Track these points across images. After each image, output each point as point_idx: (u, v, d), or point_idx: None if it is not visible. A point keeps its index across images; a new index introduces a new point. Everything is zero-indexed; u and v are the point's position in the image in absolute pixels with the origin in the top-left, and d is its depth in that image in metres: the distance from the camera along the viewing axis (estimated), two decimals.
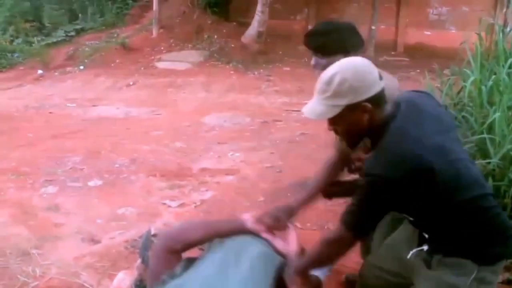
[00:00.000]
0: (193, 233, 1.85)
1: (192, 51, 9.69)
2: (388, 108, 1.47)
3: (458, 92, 3.23)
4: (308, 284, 1.71)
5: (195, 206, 3.37)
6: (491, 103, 2.72)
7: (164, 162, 4.26)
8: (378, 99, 1.43)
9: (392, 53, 10.01)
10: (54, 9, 11.20)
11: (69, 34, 10.76)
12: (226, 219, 2.54)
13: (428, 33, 10.26)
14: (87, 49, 9.86)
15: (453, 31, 9.97)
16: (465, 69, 3.19)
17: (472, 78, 2.95)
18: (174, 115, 6.10)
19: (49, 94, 7.41)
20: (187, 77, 8.35)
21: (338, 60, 1.51)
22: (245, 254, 1.65)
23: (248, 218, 1.87)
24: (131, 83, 8.12)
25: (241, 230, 1.83)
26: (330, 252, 1.60)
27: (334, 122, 1.48)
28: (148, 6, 11.08)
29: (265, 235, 1.82)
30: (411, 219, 1.57)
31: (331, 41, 1.87)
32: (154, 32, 10.16)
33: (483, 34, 3.44)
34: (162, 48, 9.78)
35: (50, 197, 3.52)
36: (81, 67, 9.10)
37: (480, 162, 2.41)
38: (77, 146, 4.71)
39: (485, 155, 2.47)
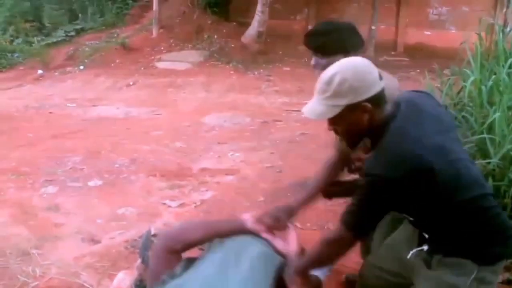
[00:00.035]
0: (193, 233, 1.85)
1: (192, 51, 9.69)
2: (388, 108, 1.46)
3: (458, 92, 3.23)
4: (308, 284, 1.71)
5: (195, 206, 3.37)
6: (491, 103, 2.72)
7: (164, 162, 4.26)
8: (378, 99, 1.43)
9: (392, 53, 10.01)
10: (54, 9, 11.20)
11: (69, 34, 10.76)
12: (226, 219, 2.54)
13: (428, 33, 10.26)
14: (87, 49, 9.87)
15: (453, 31, 9.97)
16: (465, 69, 3.19)
17: (472, 78, 2.95)
18: (174, 115, 6.10)
19: (49, 94, 7.41)
20: (187, 77, 8.35)
21: (338, 60, 1.51)
22: (245, 254, 1.65)
23: (248, 218, 1.87)
24: (131, 83, 8.12)
25: (241, 230, 1.83)
26: (330, 252, 1.60)
27: (334, 122, 1.48)
28: (148, 6, 11.08)
29: (265, 235, 1.82)
30: (411, 219, 1.57)
31: (331, 41, 1.87)
32: (154, 32, 10.16)
33: (483, 34, 3.44)
34: (162, 48, 9.78)
35: (50, 197, 3.52)
36: (81, 67, 9.10)
37: (480, 162, 2.41)
38: (77, 146, 4.71)
39: (485, 155, 2.47)
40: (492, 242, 1.47)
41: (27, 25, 10.84)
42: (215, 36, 10.03)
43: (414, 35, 10.23)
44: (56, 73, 8.92)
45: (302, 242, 1.91)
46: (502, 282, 2.17)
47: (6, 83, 8.29)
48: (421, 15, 10.38)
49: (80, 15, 11.40)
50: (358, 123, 1.45)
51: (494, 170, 2.40)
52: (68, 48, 10.04)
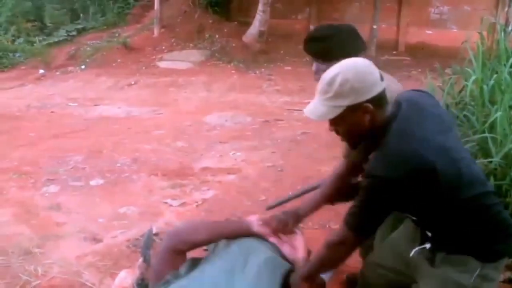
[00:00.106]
0: (198, 234, 1.84)
1: (194, 50, 9.70)
2: (389, 108, 1.47)
3: (460, 91, 3.23)
4: None
5: (197, 205, 3.37)
6: (492, 102, 2.72)
7: (166, 161, 4.26)
8: (379, 100, 1.43)
9: (394, 52, 10.00)
10: (56, 8, 11.22)
11: (70, 34, 10.77)
12: (232, 220, 2.53)
13: (430, 32, 10.25)
14: (88, 48, 9.88)
15: (455, 30, 9.95)
16: (466, 68, 3.19)
17: (473, 77, 2.94)
18: (176, 114, 6.11)
19: (51, 94, 7.42)
20: (188, 77, 8.35)
21: None
22: (252, 259, 1.64)
23: (254, 221, 1.85)
24: (132, 83, 8.12)
25: (247, 233, 1.81)
26: (334, 255, 1.60)
27: (336, 123, 1.48)
28: (149, 6, 11.09)
29: (273, 239, 1.80)
30: (414, 218, 1.57)
31: (331, 46, 1.84)
32: (156, 32, 10.16)
33: (484, 33, 3.43)
34: (163, 47, 9.78)
35: (52, 196, 3.53)
36: (83, 67, 9.11)
37: (481, 161, 2.40)
38: (78, 145, 4.71)
39: (487, 154, 2.47)
40: (494, 239, 1.47)
41: (29, 24, 10.85)
42: (217, 36, 10.03)
43: (415, 34, 10.22)
44: (58, 73, 8.93)
45: (306, 242, 1.91)
46: (504, 281, 2.17)
47: (7, 82, 8.31)
48: (423, 14, 10.36)
49: (81, 14, 11.41)
50: (359, 124, 1.45)
51: (495, 169, 2.40)
52: (69, 47, 10.05)
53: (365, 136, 1.50)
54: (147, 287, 2.27)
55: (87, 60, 9.36)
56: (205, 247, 1.96)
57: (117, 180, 3.84)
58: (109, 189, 3.66)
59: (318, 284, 1.77)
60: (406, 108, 1.45)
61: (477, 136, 2.56)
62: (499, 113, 2.48)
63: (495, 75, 2.88)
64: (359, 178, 2.02)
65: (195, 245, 1.84)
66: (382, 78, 1.44)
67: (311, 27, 10.05)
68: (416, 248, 1.57)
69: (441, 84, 3.40)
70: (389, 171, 1.36)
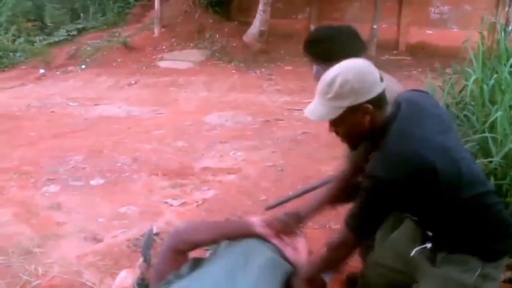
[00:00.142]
0: (200, 234, 1.83)
1: (194, 50, 9.70)
2: (389, 109, 1.47)
3: (460, 91, 3.23)
4: None
5: (197, 205, 3.37)
6: (493, 102, 2.72)
7: (166, 161, 4.26)
8: (379, 100, 1.43)
9: (394, 52, 10.00)
10: (56, 8, 11.23)
11: (71, 34, 10.78)
12: (234, 221, 2.53)
13: (430, 32, 10.24)
14: (88, 48, 9.88)
15: (455, 30, 9.95)
16: (467, 68, 3.19)
17: (474, 77, 2.94)
18: (176, 114, 6.11)
19: (51, 93, 7.43)
20: (188, 76, 8.36)
21: None
22: (254, 260, 1.63)
23: (256, 222, 1.85)
24: (132, 82, 8.13)
25: (249, 233, 1.80)
26: (336, 256, 1.60)
27: (336, 124, 1.48)
28: (149, 6, 11.09)
29: (275, 241, 1.80)
30: (414, 218, 1.57)
31: (332, 48, 1.82)
32: (156, 31, 10.17)
33: (485, 33, 3.43)
34: (163, 47, 9.79)
35: (52, 196, 3.53)
36: (83, 66, 9.12)
37: (482, 161, 2.40)
38: (79, 145, 4.72)
39: (487, 154, 2.47)
40: (495, 238, 1.48)
41: (29, 24, 10.87)
42: (217, 35, 10.04)
43: (416, 34, 10.22)
44: (58, 73, 8.93)
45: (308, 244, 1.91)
46: (504, 281, 2.17)
47: (8, 82, 8.32)
48: (423, 14, 10.36)
49: (82, 14, 11.42)
50: (359, 125, 1.45)
51: (496, 169, 2.40)
52: (70, 47, 10.06)
53: (365, 137, 1.50)
54: (147, 287, 2.28)
55: (88, 59, 9.37)
56: (206, 247, 1.96)
57: (117, 180, 3.84)
58: (109, 189, 3.66)
59: (319, 285, 1.77)
60: (406, 109, 1.45)
61: (477, 136, 2.56)
62: (499, 113, 2.48)
63: (495, 75, 2.87)
64: (359, 178, 2.01)
65: (196, 245, 1.84)
66: (382, 79, 1.44)
67: (312, 27, 10.05)
68: (417, 248, 1.57)
69: (441, 84, 3.40)
70: (389, 171, 1.36)
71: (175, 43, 9.92)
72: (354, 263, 2.09)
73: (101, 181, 3.81)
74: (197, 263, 1.73)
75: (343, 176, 1.97)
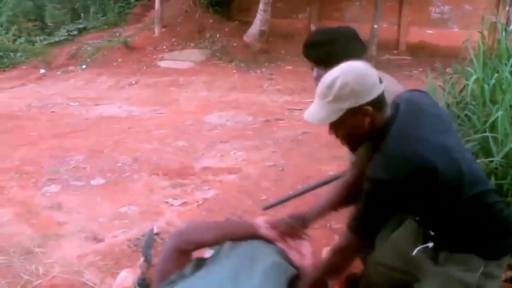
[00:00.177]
0: (204, 234, 1.82)
1: (194, 50, 9.71)
2: (388, 110, 1.47)
3: (461, 91, 3.22)
4: None
5: (198, 205, 3.37)
6: (493, 102, 2.71)
7: (167, 161, 4.26)
8: (379, 102, 1.43)
9: (394, 51, 10.00)
10: (57, 8, 11.24)
11: (71, 34, 10.80)
12: (239, 222, 2.51)
13: (431, 31, 10.25)
14: (89, 48, 9.89)
15: (456, 29, 9.95)
16: (467, 68, 3.18)
17: (474, 77, 2.94)
18: (176, 114, 6.11)
19: (52, 93, 7.43)
20: (189, 76, 8.36)
21: None
22: (258, 262, 1.62)
23: (261, 224, 1.83)
24: (133, 82, 8.13)
25: (253, 235, 1.79)
26: (340, 260, 1.60)
27: (336, 126, 1.48)
28: (150, 5, 11.10)
29: (281, 244, 1.78)
30: (416, 218, 1.57)
31: (333, 52, 1.80)
32: (156, 31, 10.17)
33: (485, 32, 3.43)
34: (164, 47, 9.79)
35: (53, 195, 3.53)
36: (84, 66, 9.13)
37: (482, 160, 2.40)
38: (79, 145, 4.72)
39: (488, 153, 2.47)
40: (497, 237, 1.48)
41: (30, 24, 10.88)
42: (217, 35, 10.04)
43: (416, 34, 10.22)
44: (59, 72, 8.94)
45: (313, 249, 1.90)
46: (505, 280, 2.17)
47: (9, 82, 8.33)
48: (424, 14, 10.36)
49: (82, 14, 11.43)
50: (359, 127, 1.45)
51: (496, 168, 2.39)
52: (70, 47, 10.07)
53: (365, 139, 1.50)
54: (148, 287, 2.28)
55: (88, 59, 9.37)
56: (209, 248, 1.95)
57: (118, 180, 3.84)
58: (110, 189, 3.67)
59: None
60: (405, 109, 1.45)
61: (478, 135, 2.56)
62: (500, 113, 2.47)
63: (496, 75, 2.87)
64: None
65: (201, 246, 1.83)
66: (381, 81, 1.44)
67: (312, 27, 10.06)
68: (419, 247, 1.57)
69: (442, 84, 3.40)
70: (390, 173, 1.36)
71: (175, 43, 9.92)
72: (354, 263, 2.09)
73: (102, 181, 3.81)
74: (201, 263, 1.72)
75: (349, 182, 1.94)
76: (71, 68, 9.11)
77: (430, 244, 1.54)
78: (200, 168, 4.11)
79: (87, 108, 6.50)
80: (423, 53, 9.65)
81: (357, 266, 2.04)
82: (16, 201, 3.41)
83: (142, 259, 2.48)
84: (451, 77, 3.36)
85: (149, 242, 2.65)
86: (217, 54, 9.52)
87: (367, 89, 1.40)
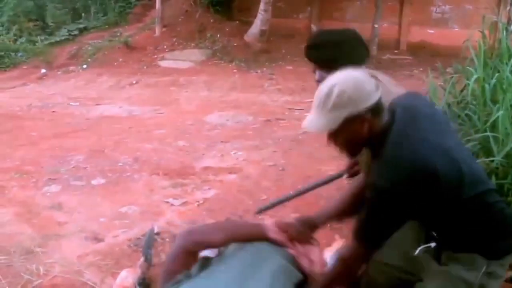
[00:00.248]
0: (213, 236, 1.79)
1: (195, 50, 9.71)
2: (386, 115, 1.47)
3: (461, 90, 3.22)
4: None
5: (198, 205, 3.37)
6: (494, 101, 2.71)
7: (167, 161, 4.26)
8: (376, 109, 1.44)
9: (395, 51, 9.99)
10: (58, 8, 11.24)
11: (72, 33, 10.81)
12: (248, 223, 2.48)
13: (431, 31, 10.24)
14: (90, 48, 9.90)
15: (456, 29, 9.94)
16: (468, 67, 3.18)
17: (475, 76, 2.93)
18: (177, 113, 6.11)
19: (52, 93, 7.44)
20: (189, 76, 8.36)
21: None
22: (265, 265, 1.61)
23: (270, 226, 1.82)
24: (134, 82, 8.14)
25: (262, 237, 1.78)
26: (347, 268, 1.61)
27: (335, 134, 1.48)
28: (150, 5, 11.11)
29: (291, 250, 1.77)
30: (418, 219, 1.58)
31: (336, 55, 1.80)
32: (157, 31, 10.18)
33: (486, 32, 3.43)
34: (165, 47, 9.79)
35: (53, 195, 3.53)
36: (84, 66, 9.13)
37: (483, 160, 2.40)
38: (80, 145, 4.72)
39: (489, 153, 2.46)
40: (499, 236, 1.48)
41: (31, 24, 10.89)
42: (218, 35, 10.04)
43: (417, 34, 10.21)
44: (59, 72, 8.95)
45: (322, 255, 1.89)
46: (506, 280, 2.17)
47: (9, 82, 8.34)
48: (424, 13, 10.35)
49: (83, 14, 11.44)
50: (358, 134, 1.45)
51: (497, 168, 2.39)
52: (71, 47, 10.07)
53: (364, 145, 1.51)
54: (148, 287, 2.28)
55: (89, 59, 9.38)
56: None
57: (118, 180, 3.84)
58: (110, 189, 3.67)
59: None
60: (402, 114, 1.46)
61: (479, 135, 2.56)
62: (500, 112, 2.47)
63: (497, 74, 2.87)
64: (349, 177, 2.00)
65: (208, 247, 1.81)
66: (378, 87, 1.44)
67: (313, 26, 10.06)
68: (421, 247, 1.57)
69: (442, 83, 3.40)
70: (392, 179, 1.37)
71: (176, 43, 9.92)
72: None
73: (102, 181, 3.81)
74: (207, 263, 1.71)
75: (358, 187, 1.92)
76: (71, 68, 9.12)
77: (432, 244, 1.54)
78: (200, 168, 4.11)
79: (87, 108, 6.50)
80: (424, 53, 9.64)
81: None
82: (16, 201, 3.41)
83: (142, 258, 2.48)
84: (452, 77, 3.36)
85: (149, 242, 2.65)
86: (217, 54, 9.52)
87: (365, 96, 1.41)
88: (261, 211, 2.63)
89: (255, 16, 9.71)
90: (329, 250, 2.26)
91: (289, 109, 6.22)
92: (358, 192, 1.89)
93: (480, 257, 1.47)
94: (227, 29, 10.21)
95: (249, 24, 9.96)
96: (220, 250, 1.81)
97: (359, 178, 1.96)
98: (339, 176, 2.36)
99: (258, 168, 4.09)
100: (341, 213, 1.96)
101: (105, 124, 5.62)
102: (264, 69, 8.83)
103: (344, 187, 2.94)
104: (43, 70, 8.98)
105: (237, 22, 10.49)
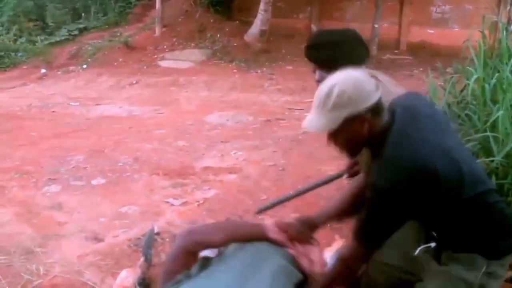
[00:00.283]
0: (213, 236, 1.79)
1: (195, 50, 9.70)
2: (386, 115, 1.47)
3: (461, 90, 3.22)
4: None
5: (198, 205, 3.37)
6: (494, 101, 2.71)
7: (167, 161, 4.26)
8: (376, 109, 1.44)
9: (395, 51, 9.99)
10: (58, 8, 11.24)
11: (72, 33, 10.80)
12: (248, 223, 2.49)
13: (431, 31, 10.23)
14: (90, 48, 9.89)
15: (456, 29, 9.94)
16: (468, 67, 3.18)
17: (475, 76, 2.94)
18: (177, 113, 6.11)
19: (52, 93, 7.44)
20: (189, 76, 8.36)
21: None
22: (265, 265, 1.61)
23: (270, 227, 1.82)
24: (134, 82, 8.14)
25: (262, 238, 1.77)
26: (347, 269, 1.61)
27: (335, 134, 1.48)
28: (150, 5, 11.10)
29: (292, 250, 1.77)
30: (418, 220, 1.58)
31: (337, 55, 1.79)
32: (157, 31, 10.17)
33: (486, 32, 3.43)
34: (165, 47, 9.79)
35: (53, 195, 3.53)
36: (84, 66, 9.13)
37: (483, 160, 2.40)
38: (80, 145, 4.72)
39: (489, 153, 2.46)
40: (499, 236, 1.48)
41: (31, 24, 10.88)
42: (218, 35, 10.04)
43: (417, 34, 10.21)
44: (59, 72, 8.95)
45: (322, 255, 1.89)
46: (506, 280, 2.17)
47: (9, 82, 8.34)
48: (424, 13, 10.35)
49: (83, 14, 11.44)
50: (358, 134, 1.45)
51: (497, 168, 2.39)
52: (71, 47, 10.07)
53: (364, 145, 1.51)
54: (148, 287, 2.28)
55: (89, 59, 9.38)
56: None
57: (118, 180, 3.84)
58: (110, 189, 3.67)
59: None
60: (402, 114, 1.46)
61: (479, 135, 2.56)
62: (500, 112, 2.47)
63: (497, 74, 2.87)
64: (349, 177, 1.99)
65: (208, 247, 1.81)
66: (378, 87, 1.45)
67: (313, 26, 10.06)
68: (421, 247, 1.57)
69: (442, 83, 3.40)
70: (392, 179, 1.37)
71: (176, 43, 9.92)
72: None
73: (102, 181, 3.81)
74: (207, 263, 1.71)
75: (358, 187, 1.92)
76: (71, 68, 9.12)
77: (432, 244, 1.54)
78: (200, 168, 4.11)
79: (87, 108, 6.50)
80: (424, 53, 9.64)
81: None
82: (16, 201, 3.41)
83: (142, 258, 2.49)
84: (452, 77, 3.36)
85: (149, 242, 2.65)
86: (217, 54, 9.52)
87: (365, 96, 1.41)
88: (261, 211, 2.63)
89: (255, 16, 9.71)
90: (329, 250, 2.26)
91: (289, 109, 6.22)
92: (358, 192, 1.89)
93: (480, 257, 1.47)
94: (227, 29, 10.21)
95: (249, 24, 9.95)
96: (220, 250, 1.81)
97: (359, 178, 1.95)
98: (339, 176, 2.36)
99: (258, 168, 4.09)
100: (341, 213, 1.96)
101: (105, 124, 5.62)
102: (264, 69, 8.83)
103: (344, 187, 2.95)
104: (43, 70, 8.98)
105: (237, 22, 10.48)
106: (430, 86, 3.15)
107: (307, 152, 4.45)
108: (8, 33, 10.36)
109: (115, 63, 9.19)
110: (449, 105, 3.01)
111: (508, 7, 7.98)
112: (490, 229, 1.48)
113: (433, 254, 1.55)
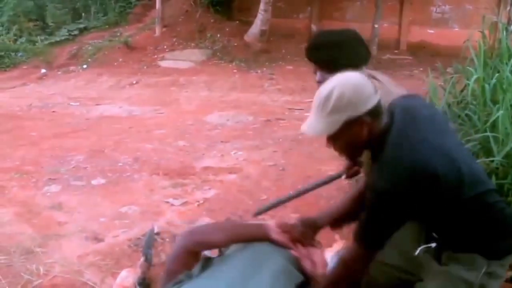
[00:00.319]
0: (215, 236, 1.78)
1: (195, 50, 9.70)
2: (385, 118, 1.47)
3: (461, 90, 3.22)
4: None
5: (198, 205, 3.37)
6: (494, 101, 2.71)
7: (167, 161, 4.26)
8: (375, 111, 1.44)
9: (395, 51, 9.99)
10: (58, 8, 11.24)
11: (72, 33, 10.80)
12: (250, 224, 2.49)
13: (431, 31, 10.23)
14: (90, 48, 9.89)
15: (456, 29, 9.94)
16: (468, 67, 3.18)
17: (475, 76, 2.94)
18: (177, 113, 6.11)
19: (52, 93, 7.44)
20: (190, 76, 8.36)
21: None
22: (267, 266, 1.60)
23: (272, 227, 1.80)
24: (134, 82, 8.14)
25: (264, 239, 1.76)
26: (348, 271, 1.60)
27: (334, 138, 1.48)
28: (151, 5, 11.10)
29: (294, 252, 1.75)
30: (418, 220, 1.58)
31: (338, 56, 1.79)
32: (157, 31, 10.17)
33: (486, 32, 3.43)
34: (165, 47, 9.79)
35: (53, 195, 3.53)
36: (84, 66, 9.13)
37: (483, 160, 2.40)
38: (80, 145, 4.72)
39: (489, 153, 2.47)
40: (499, 236, 1.48)
41: (31, 24, 10.88)
42: (218, 35, 10.04)
43: (417, 34, 10.21)
44: (59, 72, 8.95)
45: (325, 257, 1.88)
46: (506, 280, 2.17)
47: (9, 82, 8.34)
48: (424, 13, 10.35)
49: (83, 14, 11.44)
50: (358, 137, 1.45)
51: (497, 168, 2.39)
52: (71, 47, 10.07)
53: (363, 148, 1.51)
54: (148, 287, 2.28)
55: (89, 59, 9.38)
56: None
57: (118, 180, 3.84)
58: (110, 189, 3.67)
59: None
60: (401, 116, 1.46)
61: (479, 135, 2.56)
62: (500, 112, 2.47)
63: (497, 74, 2.87)
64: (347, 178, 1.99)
65: (210, 247, 1.81)
66: (376, 90, 1.44)
67: (313, 26, 10.05)
68: (422, 247, 1.57)
69: (442, 83, 3.40)
70: (391, 181, 1.37)
71: (176, 43, 9.92)
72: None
73: (102, 181, 3.82)
74: (208, 263, 1.71)
75: (360, 190, 1.90)
76: (72, 68, 9.12)
77: (433, 244, 1.54)
78: (200, 168, 4.11)
79: (87, 108, 6.50)
80: (424, 53, 9.64)
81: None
82: (16, 201, 3.42)
83: (142, 258, 2.49)
84: (452, 77, 3.36)
85: (149, 242, 2.65)
86: (217, 54, 9.52)
87: (364, 99, 1.41)
88: (260, 212, 2.62)
89: (255, 16, 9.71)
90: (330, 251, 2.26)
91: (289, 109, 6.22)
92: (359, 195, 1.87)
93: (480, 257, 1.46)
94: (227, 29, 10.21)
95: (249, 24, 9.95)
96: (222, 250, 1.81)
97: (359, 180, 1.95)
98: (338, 176, 2.36)
99: (258, 168, 4.09)
100: (342, 216, 1.95)
101: (105, 124, 5.62)
102: (264, 69, 8.83)
103: (344, 187, 2.96)
104: (43, 70, 8.98)
105: (237, 22, 10.48)
106: (430, 86, 3.15)
107: (307, 152, 4.45)
108: (8, 33, 10.36)
109: (115, 63, 9.19)
110: (449, 105, 3.01)
111: (508, 7, 7.98)
112: (490, 229, 1.48)
113: (433, 254, 1.55)
